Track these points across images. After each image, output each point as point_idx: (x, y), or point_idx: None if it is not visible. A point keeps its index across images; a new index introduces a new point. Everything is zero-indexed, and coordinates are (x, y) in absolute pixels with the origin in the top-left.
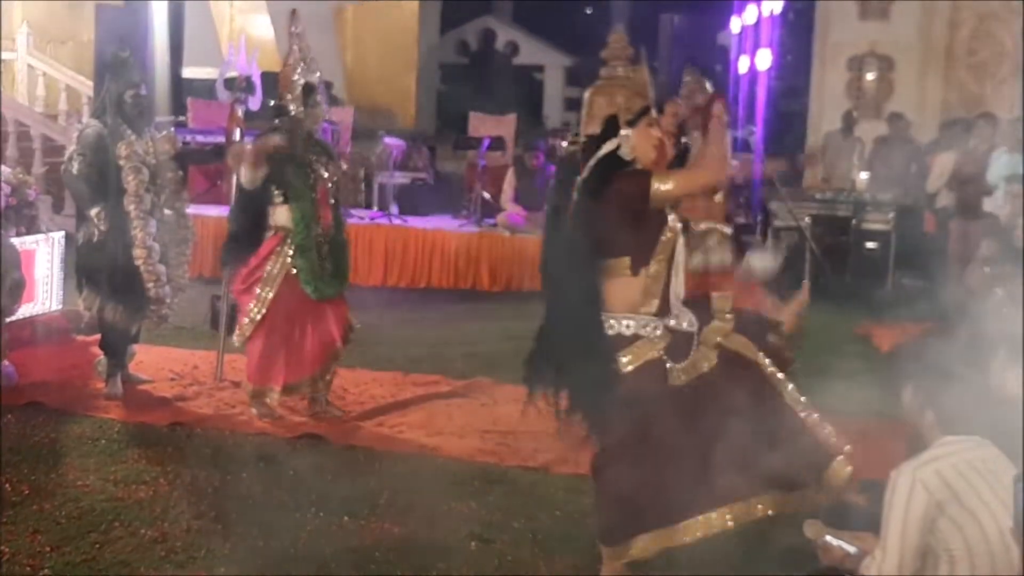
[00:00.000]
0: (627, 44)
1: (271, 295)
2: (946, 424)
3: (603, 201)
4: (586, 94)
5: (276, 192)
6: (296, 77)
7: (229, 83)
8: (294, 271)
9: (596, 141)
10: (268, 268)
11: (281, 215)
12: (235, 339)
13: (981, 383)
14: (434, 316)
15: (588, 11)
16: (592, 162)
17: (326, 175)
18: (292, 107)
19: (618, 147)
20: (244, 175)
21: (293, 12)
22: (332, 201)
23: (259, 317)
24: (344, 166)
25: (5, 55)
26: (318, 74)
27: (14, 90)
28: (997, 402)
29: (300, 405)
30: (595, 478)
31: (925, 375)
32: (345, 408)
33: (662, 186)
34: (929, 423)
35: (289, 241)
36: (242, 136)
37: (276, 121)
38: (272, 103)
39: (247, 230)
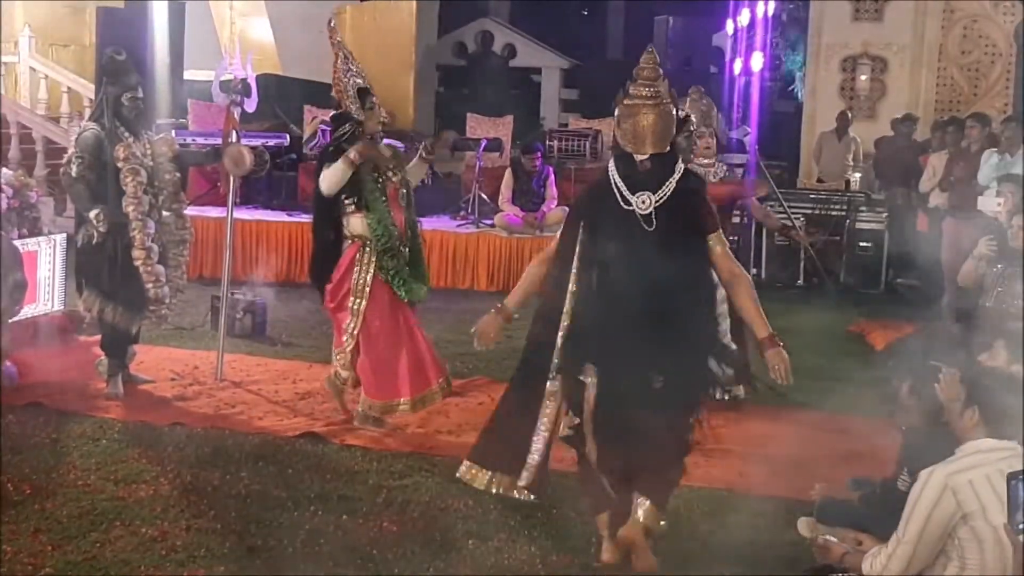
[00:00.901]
0: (658, 63)
1: (363, 304)
2: (991, 426)
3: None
4: (623, 111)
5: (347, 201)
6: (348, 82)
7: (225, 86)
8: (381, 278)
9: (667, 159)
10: (354, 279)
11: (356, 224)
12: (335, 359)
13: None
14: (431, 316)
15: (584, 12)
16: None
17: (395, 178)
18: (353, 110)
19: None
20: (329, 181)
21: (330, 22)
22: (404, 204)
23: (357, 331)
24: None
25: (7, 58)
26: (363, 77)
27: (16, 93)
28: None
29: (300, 405)
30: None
31: (971, 373)
32: (342, 407)
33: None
34: (970, 423)
35: (369, 249)
36: (238, 138)
37: (344, 128)
38: (334, 113)
39: (325, 244)
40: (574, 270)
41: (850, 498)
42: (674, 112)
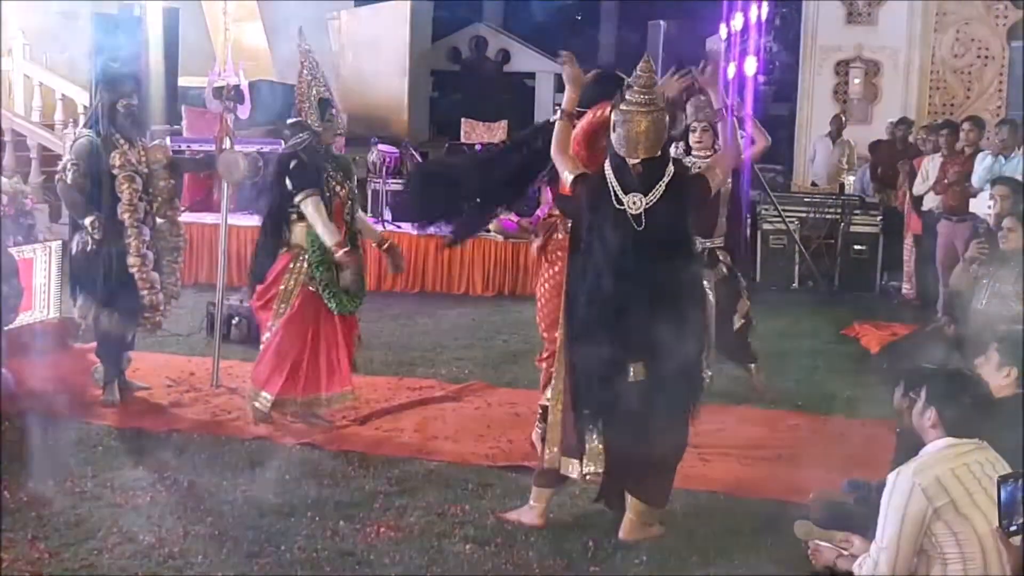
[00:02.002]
0: (654, 71)
1: (286, 311)
2: (948, 424)
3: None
4: (620, 116)
5: (291, 210)
6: (311, 92)
7: (218, 92)
8: (311, 288)
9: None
10: (283, 285)
11: (297, 233)
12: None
13: (983, 383)
14: (428, 321)
15: (578, 17)
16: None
17: (342, 192)
18: (311, 121)
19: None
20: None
21: (300, 30)
22: (348, 218)
23: (276, 327)
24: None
25: (2, 65)
26: (327, 88)
27: (10, 100)
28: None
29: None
30: None
31: (925, 373)
32: (341, 412)
33: (713, 180)
34: (931, 423)
35: (302, 258)
36: (232, 145)
37: (300, 136)
38: (293, 120)
39: (266, 246)
40: (569, 267)
41: (846, 500)
42: (667, 118)
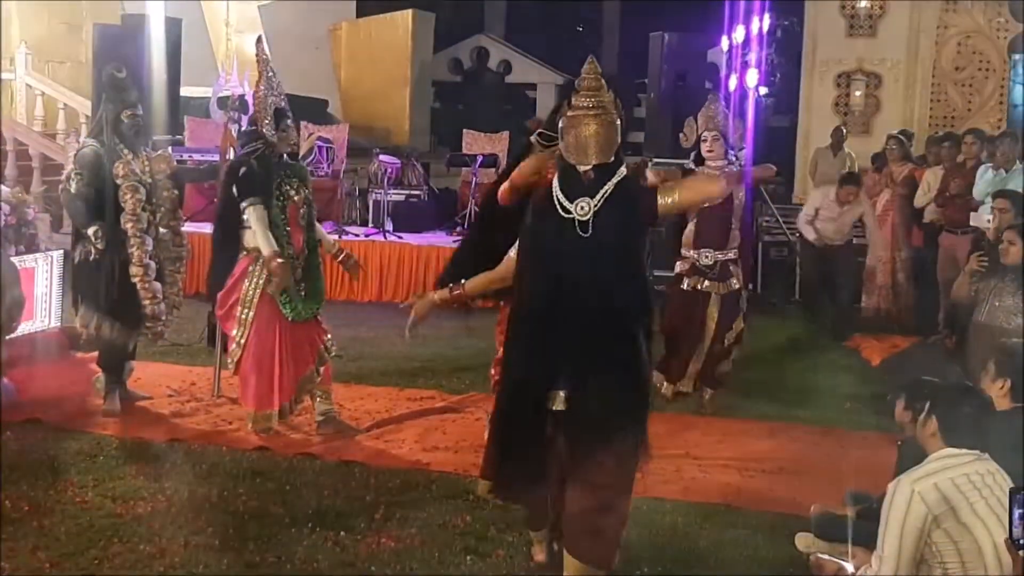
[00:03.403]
0: (600, 73)
1: (251, 315)
2: (948, 434)
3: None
4: (566, 123)
5: (246, 216)
6: (268, 102)
7: (222, 102)
8: (269, 292)
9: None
10: (244, 289)
11: (251, 237)
12: (229, 364)
13: (983, 395)
14: (428, 332)
15: (579, 28)
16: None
17: (297, 197)
18: (266, 131)
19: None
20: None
21: (258, 40)
22: (303, 224)
23: (244, 340)
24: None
25: (4, 75)
26: (284, 98)
27: (13, 110)
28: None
29: (297, 420)
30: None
31: (927, 385)
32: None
33: (666, 200)
34: (930, 433)
35: (260, 263)
36: (236, 154)
37: (254, 145)
38: (245, 129)
39: (223, 254)
40: (519, 281)
41: (847, 513)
42: (618, 122)
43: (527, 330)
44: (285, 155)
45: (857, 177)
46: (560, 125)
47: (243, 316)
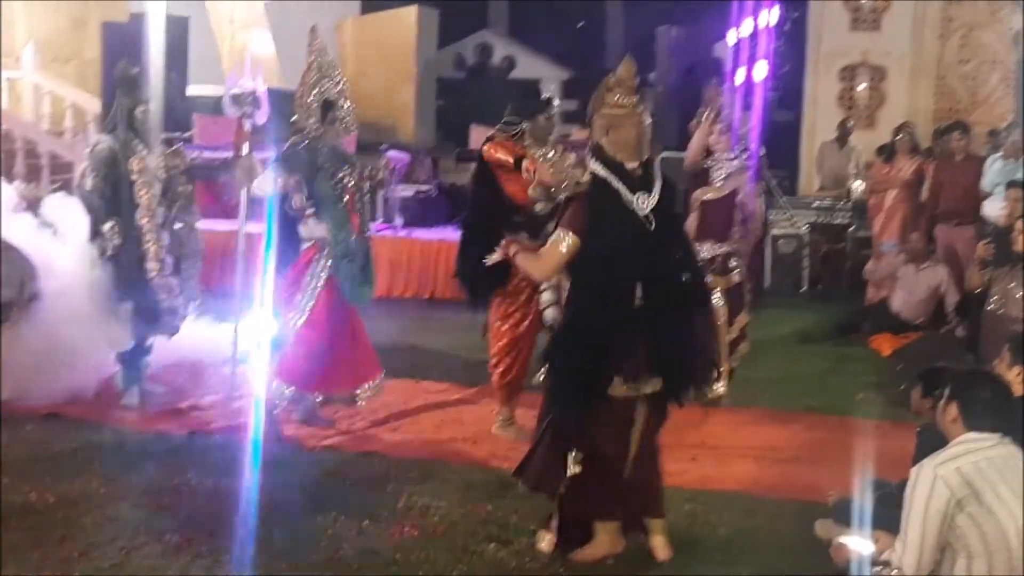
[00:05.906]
0: (635, 72)
1: (311, 304)
2: (970, 419)
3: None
4: (611, 121)
5: (307, 206)
6: (312, 94)
7: (236, 99)
8: (335, 280)
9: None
10: (306, 279)
11: (315, 227)
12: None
13: (1003, 380)
14: (440, 325)
15: (582, 23)
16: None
17: (351, 185)
18: (310, 124)
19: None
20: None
21: (312, 29)
22: (359, 209)
23: (299, 327)
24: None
25: (12, 74)
26: (339, 88)
27: (20, 108)
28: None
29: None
30: None
31: (945, 371)
32: (359, 415)
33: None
34: (951, 419)
35: (327, 251)
36: (250, 150)
37: (294, 139)
38: (294, 118)
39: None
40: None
41: (865, 499)
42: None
43: (604, 326)
44: (336, 145)
45: None
46: (596, 124)
47: (303, 303)
